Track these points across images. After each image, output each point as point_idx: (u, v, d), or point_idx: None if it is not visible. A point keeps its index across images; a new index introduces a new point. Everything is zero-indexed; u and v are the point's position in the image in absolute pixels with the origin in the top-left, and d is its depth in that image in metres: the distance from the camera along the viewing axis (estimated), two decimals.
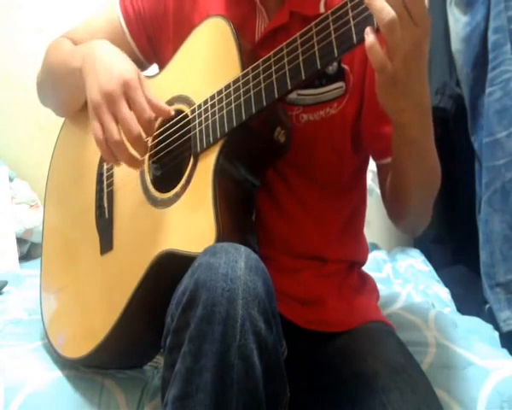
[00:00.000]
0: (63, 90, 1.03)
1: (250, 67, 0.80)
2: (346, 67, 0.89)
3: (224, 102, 0.82)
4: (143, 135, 0.81)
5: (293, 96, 0.88)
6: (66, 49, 1.01)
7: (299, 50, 0.74)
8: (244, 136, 0.83)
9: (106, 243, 0.96)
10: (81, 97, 0.99)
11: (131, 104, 0.81)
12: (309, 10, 0.87)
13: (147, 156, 0.93)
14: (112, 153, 0.82)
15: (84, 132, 1.07)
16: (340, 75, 0.89)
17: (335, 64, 0.88)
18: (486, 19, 1.46)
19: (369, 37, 0.67)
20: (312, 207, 0.94)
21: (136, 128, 0.80)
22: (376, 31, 0.67)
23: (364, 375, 0.81)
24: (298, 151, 0.89)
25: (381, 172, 0.96)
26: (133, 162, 0.83)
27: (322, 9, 0.88)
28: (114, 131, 0.80)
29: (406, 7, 0.65)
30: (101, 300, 0.94)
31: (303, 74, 0.74)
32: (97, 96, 0.82)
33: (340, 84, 0.89)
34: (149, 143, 0.91)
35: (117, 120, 0.81)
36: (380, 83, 0.71)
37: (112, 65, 0.84)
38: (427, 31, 0.67)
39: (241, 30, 0.86)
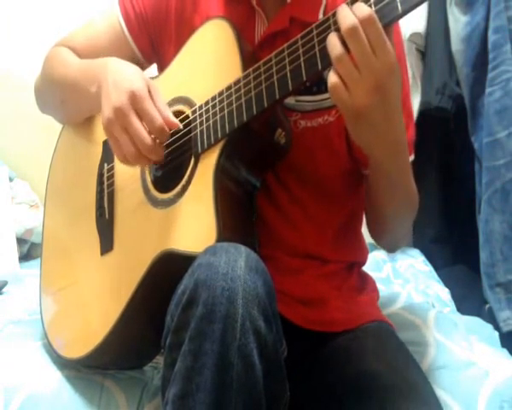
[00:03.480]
0: (75, 107, 1.04)
1: (251, 68, 0.80)
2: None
3: (224, 103, 0.82)
4: (156, 143, 0.82)
5: (291, 101, 0.88)
6: (74, 65, 1.01)
7: (300, 51, 0.74)
8: (245, 137, 0.83)
9: (106, 244, 0.96)
10: (94, 112, 1.01)
11: (140, 115, 0.82)
12: (309, 17, 0.87)
13: None
14: (133, 164, 0.84)
15: (84, 133, 1.07)
16: None
17: None
18: (486, 19, 1.46)
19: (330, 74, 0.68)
20: (311, 209, 0.95)
21: (147, 139, 0.81)
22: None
23: (364, 374, 0.81)
24: (296, 156, 0.89)
25: (366, 183, 0.97)
26: (156, 162, 0.86)
27: (321, 16, 0.88)
28: (129, 146, 0.81)
29: (368, 38, 0.65)
30: (101, 300, 0.94)
31: (304, 75, 0.74)
32: (109, 113, 0.82)
33: None
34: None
35: (129, 134, 0.81)
36: (343, 114, 0.72)
37: (121, 80, 0.84)
38: (390, 67, 0.67)
39: (241, 32, 0.86)
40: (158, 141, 0.83)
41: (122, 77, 0.85)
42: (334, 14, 0.71)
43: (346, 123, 0.73)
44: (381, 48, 0.66)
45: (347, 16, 0.66)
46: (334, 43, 0.67)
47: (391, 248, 1.07)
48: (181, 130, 0.88)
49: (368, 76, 0.66)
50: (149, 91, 0.83)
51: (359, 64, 0.66)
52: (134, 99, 0.81)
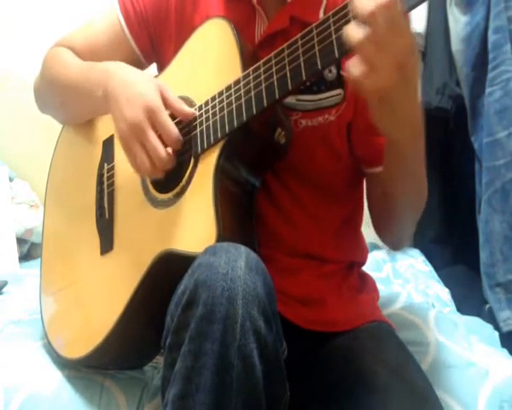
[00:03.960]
0: (76, 108, 1.04)
1: (251, 68, 0.80)
2: (345, 74, 0.89)
3: (224, 103, 0.82)
4: (170, 154, 0.83)
5: (292, 101, 0.88)
6: (75, 67, 1.01)
7: (300, 51, 0.74)
8: (245, 137, 0.83)
9: (106, 244, 0.96)
10: (97, 114, 1.02)
11: (158, 128, 0.83)
12: (309, 16, 0.87)
13: None
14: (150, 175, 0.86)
15: (84, 133, 1.07)
16: (339, 82, 0.89)
17: (334, 71, 0.88)
18: (486, 19, 1.46)
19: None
20: (311, 209, 0.95)
21: (164, 154, 0.82)
22: None
23: (364, 375, 0.81)
24: (296, 156, 0.89)
25: (369, 181, 0.97)
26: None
27: (321, 16, 0.88)
28: (145, 162, 0.83)
29: (389, 21, 0.65)
30: (101, 300, 0.94)
31: (303, 75, 0.74)
32: (124, 128, 0.84)
33: (339, 91, 0.89)
34: None
35: (146, 149, 0.83)
36: (368, 99, 0.72)
37: (134, 91, 0.85)
38: (411, 46, 0.67)
39: (241, 31, 0.86)
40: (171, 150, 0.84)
41: (133, 86, 0.86)
42: (333, 14, 0.71)
43: (369, 108, 0.73)
44: (402, 28, 0.65)
45: (364, 1, 0.65)
46: (353, 30, 0.66)
47: (395, 246, 1.06)
48: (181, 130, 0.88)
49: (390, 57, 0.66)
50: (162, 95, 0.84)
51: (381, 47, 0.65)
52: (150, 112, 0.82)
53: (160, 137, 0.83)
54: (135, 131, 0.83)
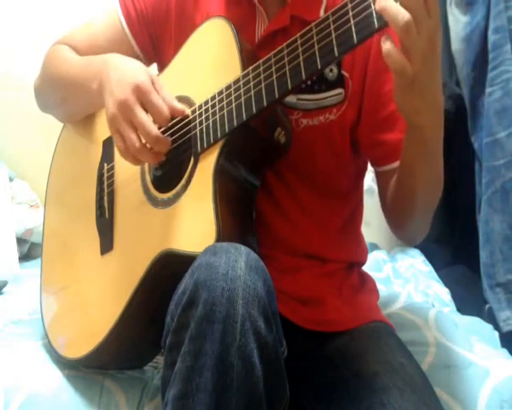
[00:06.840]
0: (76, 104, 1.04)
1: (250, 68, 0.80)
2: (346, 74, 0.89)
3: (224, 102, 0.82)
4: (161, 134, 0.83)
5: (292, 100, 0.88)
6: (75, 63, 1.01)
7: (300, 50, 0.74)
8: (244, 136, 0.83)
9: (106, 244, 0.96)
10: (95, 109, 1.02)
11: (146, 107, 0.83)
12: (309, 15, 0.87)
13: None
14: (137, 159, 0.84)
15: (84, 132, 1.07)
16: (339, 82, 0.89)
17: (335, 70, 0.88)
18: (486, 19, 1.46)
19: (386, 44, 0.65)
20: (312, 209, 0.95)
21: (153, 130, 0.81)
22: (378, 30, 0.66)
23: (364, 375, 0.81)
24: (297, 155, 0.89)
25: (381, 179, 0.96)
26: (158, 160, 0.85)
27: (322, 15, 0.88)
28: (134, 140, 0.82)
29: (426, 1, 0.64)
30: (101, 300, 0.94)
31: (303, 74, 0.74)
32: (113, 108, 0.83)
33: (340, 90, 0.89)
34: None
35: (134, 127, 0.82)
36: (398, 85, 0.70)
37: (124, 74, 0.85)
38: (439, 22, 0.66)
39: (241, 31, 0.86)
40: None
41: (125, 72, 0.86)
42: (333, 13, 0.71)
43: (398, 94, 0.71)
44: (434, 5, 0.65)
45: None
46: (400, 12, 0.63)
47: (411, 241, 1.05)
48: (181, 129, 0.88)
49: (425, 39, 0.65)
50: (153, 83, 0.84)
51: (419, 28, 0.64)
52: (139, 92, 0.82)
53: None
54: (123, 109, 0.82)
